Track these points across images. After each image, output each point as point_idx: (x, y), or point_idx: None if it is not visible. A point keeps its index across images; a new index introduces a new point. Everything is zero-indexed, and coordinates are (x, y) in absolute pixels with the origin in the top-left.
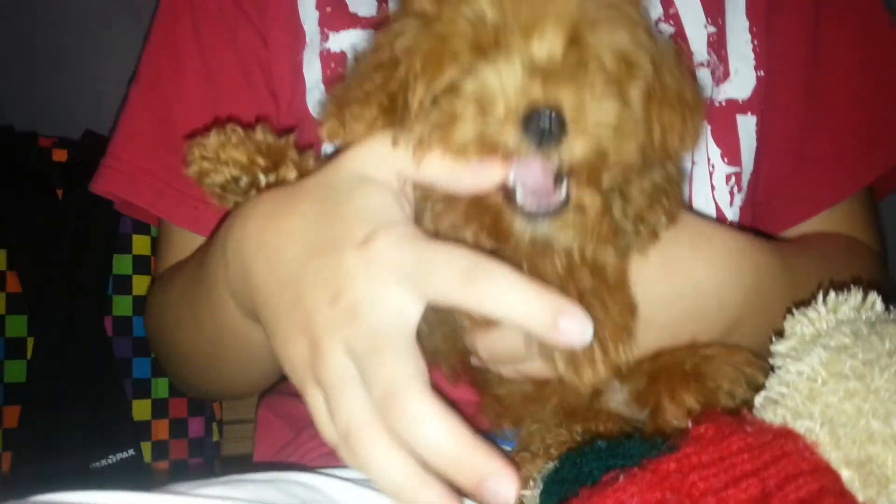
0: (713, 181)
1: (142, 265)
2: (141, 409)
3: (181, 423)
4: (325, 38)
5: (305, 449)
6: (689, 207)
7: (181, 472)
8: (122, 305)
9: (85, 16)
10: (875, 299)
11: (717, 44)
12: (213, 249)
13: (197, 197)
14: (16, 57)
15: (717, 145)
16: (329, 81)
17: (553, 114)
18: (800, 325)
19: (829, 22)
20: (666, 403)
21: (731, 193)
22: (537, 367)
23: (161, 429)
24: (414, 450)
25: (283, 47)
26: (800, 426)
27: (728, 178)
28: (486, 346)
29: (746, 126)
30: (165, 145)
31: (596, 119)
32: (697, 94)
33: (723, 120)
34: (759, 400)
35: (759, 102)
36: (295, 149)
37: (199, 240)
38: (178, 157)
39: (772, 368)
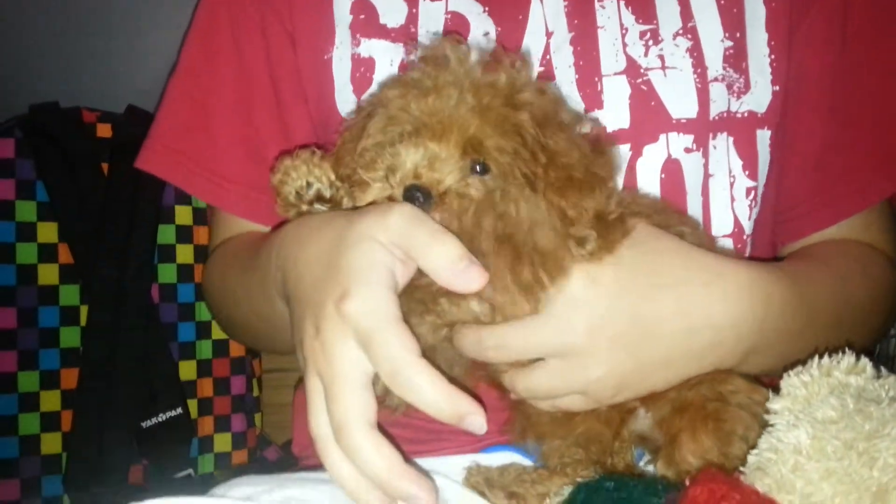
0: (733, 192)
1: (184, 235)
2: (186, 370)
3: (224, 382)
4: (356, 42)
5: None
6: (707, 223)
7: (224, 426)
8: (166, 273)
9: None
10: (866, 364)
11: (735, 57)
12: (268, 255)
13: (222, 176)
14: (56, 31)
15: (740, 157)
16: (358, 83)
17: (421, 193)
18: (794, 386)
19: (856, 36)
20: (686, 441)
21: (750, 207)
22: (572, 403)
23: (206, 387)
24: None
25: (311, 45)
26: (782, 498)
27: (748, 191)
28: (526, 386)
29: (763, 141)
30: (200, 130)
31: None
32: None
33: (744, 132)
34: (751, 460)
35: (775, 117)
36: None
37: (225, 215)
38: (211, 141)
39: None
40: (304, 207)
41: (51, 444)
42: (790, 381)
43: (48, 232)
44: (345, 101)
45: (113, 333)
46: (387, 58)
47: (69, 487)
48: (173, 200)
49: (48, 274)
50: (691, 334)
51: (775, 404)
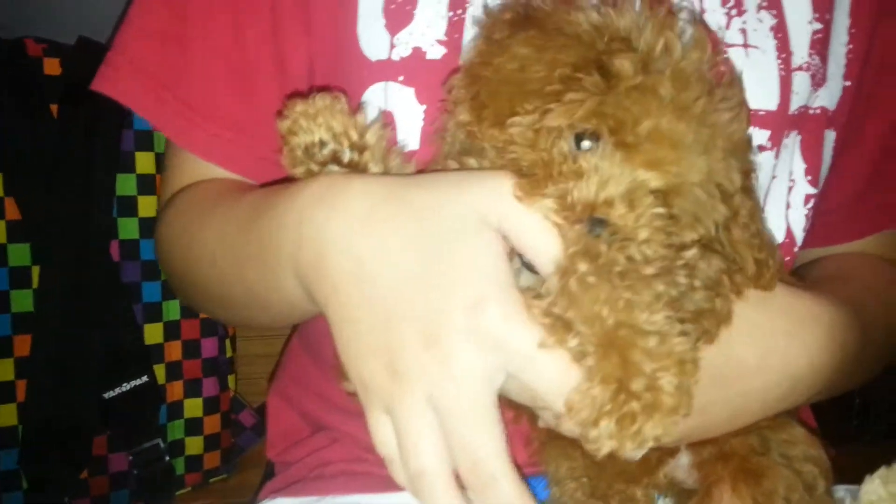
0: (790, 198)
1: (146, 185)
2: (153, 333)
3: (194, 344)
4: None
5: (324, 457)
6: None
7: (195, 391)
8: (128, 228)
9: None
10: None
11: (822, 43)
12: (282, 218)
13: (194, 108)
14: None
15: (804, 159)
16: (394, 18)
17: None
18: (880, 499)
19: None
20: (725, 494)
21: (807, 217)
22: None
23: (174, 350)
24: None
25: None
26: None
27: (807, 199)
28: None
29: (829, 143)
30: (173, 47)
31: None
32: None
33: (814, 132)
34: None
35: (842, 117)
36: (386, 142)
37: (189, 156)
38: (185, 63)
39: None
40: (315, 168)
41: (5, 416)
42: (873, 489)
43: None
44: (372, 39)
45: (69, 296)
46: None
47: (25, 462)
48: (133, 146)
49: None
50: (768, 388)
51: None
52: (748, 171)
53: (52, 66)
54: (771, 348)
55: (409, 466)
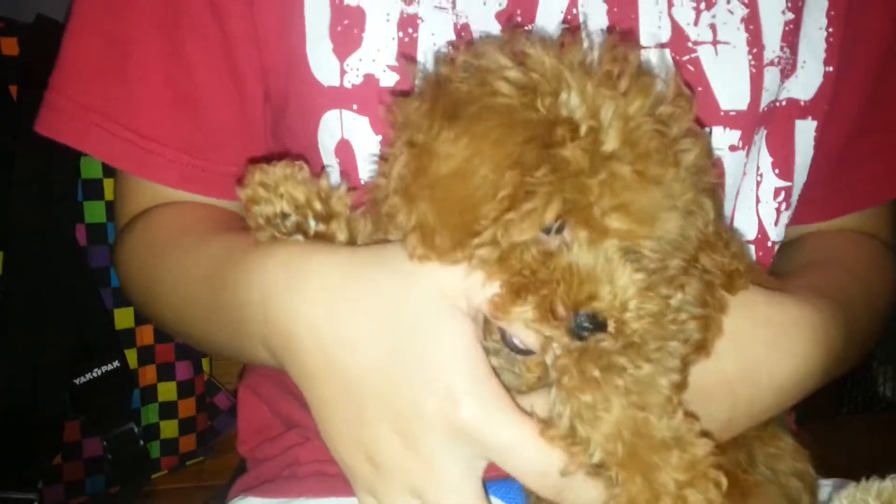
0: (759, 193)
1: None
2: (123, 317)
3: None
4: None
5: (296, 456)
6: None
7: (168, 375)
8: (94, 212)
9: None
10: None
11: (793, 34)
12: (245, 291)
13: (146, 136)
14: None
15: (770, 154)
16: (341, 40)
17: (598, 324)
18: None
19: None
20: None
21: (778, 210)
22: None
23: (146, 334)
24: None
25: None
26: None
27: (777, 192)
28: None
29: (805, 133)
30: (115, 75)
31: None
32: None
33: (781, 125)
34: None
35: (823, 104)
36: (351, 208)
37: (152, 186)
38: (130, 90)
39: None
40: (279, 235)
41: None
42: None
43: None
44: (321, 60)
45: (35, 282)
46: (381, 9)
47: None
48: None
49: None
50: (753, 401)
51: None
52: (711, 190)
53: (9, 46)
54: (756, 361)
55: None
